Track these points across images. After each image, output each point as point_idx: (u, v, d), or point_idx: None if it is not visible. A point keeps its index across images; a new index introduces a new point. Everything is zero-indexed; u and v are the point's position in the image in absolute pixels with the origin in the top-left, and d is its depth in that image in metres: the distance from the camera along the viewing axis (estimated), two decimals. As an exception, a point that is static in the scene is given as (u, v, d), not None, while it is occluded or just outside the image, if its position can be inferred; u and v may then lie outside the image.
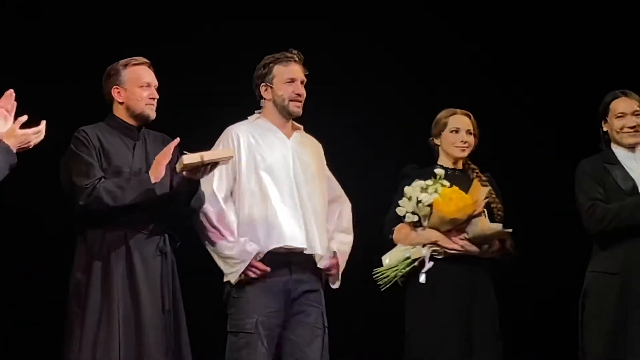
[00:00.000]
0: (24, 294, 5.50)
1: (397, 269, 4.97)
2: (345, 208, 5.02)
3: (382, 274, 4.99)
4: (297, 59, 4.88)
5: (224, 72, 5.83)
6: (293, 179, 4.79)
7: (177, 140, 4.54)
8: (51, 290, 4.97)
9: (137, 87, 4.64)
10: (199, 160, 4.38)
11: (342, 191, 5.05)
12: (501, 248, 5.08)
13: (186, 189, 4.52)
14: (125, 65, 4.67)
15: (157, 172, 4.50)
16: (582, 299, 4.97)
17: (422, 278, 4.96)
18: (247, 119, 4.94)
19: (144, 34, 5.76)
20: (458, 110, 5.25)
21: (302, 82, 4.88)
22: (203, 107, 5.82)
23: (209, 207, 4.71)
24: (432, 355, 4.88)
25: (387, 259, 5.03)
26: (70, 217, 4.59)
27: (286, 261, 4.72)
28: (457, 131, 5.19)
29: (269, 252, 4.69)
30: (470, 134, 5.21)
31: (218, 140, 4.86)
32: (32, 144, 4.08)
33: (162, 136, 4.77)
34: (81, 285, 4.49)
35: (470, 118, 5.24)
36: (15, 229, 5.51)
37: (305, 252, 4.73)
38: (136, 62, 4.68)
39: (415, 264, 4.98)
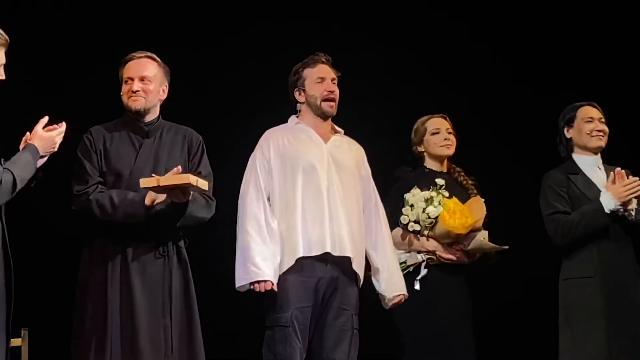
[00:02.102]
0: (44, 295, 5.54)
1: (393, 273, 5.10)
2: (376, 222, 4.99)
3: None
4: (324, 60, 4.97)
5: (265, 75, 5.96)
6: (326, 181, 4.82)
7: (179, 168, 4.47)
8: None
9: (123, 84, 4.71)
10: (155, 183, 4.38)
11: (378, 200, 5.03)
12: (484, 255, 5.28)
13: (170, 211, 4.53)
14: (120, 67, 4.75)
15: (155, 195, 4.48)
16: (562, 308, 5.11)
17: (417, 285, 5.12)
18: (287, 121, 5.00)
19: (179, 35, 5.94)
20: (434, 115, 5.43)
21: (332, 80, 4.95)
22: (246, 111, 5.96)
23: (247, 208, 4.76)
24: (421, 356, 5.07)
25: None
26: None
27: (323, 259, 4.76)
28: (438, 132, 5.38)
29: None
30: (450, 132, 5.39)
31: (258, 144, 4.91)
32: (57, 145, 4.20)
33: (186, 130, 4.79)
34: (83, 285, 4.56)
35: (446, 119, 5.42)
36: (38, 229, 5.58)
37: (334, 254, 4.75)
38: (125, 59, 4.75)
39: (410, 269, 5.14)
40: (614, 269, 5.05)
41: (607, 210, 5.04)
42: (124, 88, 4.70)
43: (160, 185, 4.39)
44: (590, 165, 5.26)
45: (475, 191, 5.37)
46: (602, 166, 5.27)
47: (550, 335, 5.30)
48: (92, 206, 4.52)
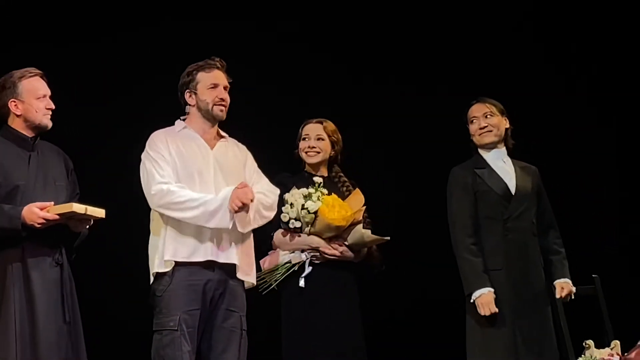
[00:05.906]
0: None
1: (278, 273, 5.19)
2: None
3: (262, 278, 5.17)
4: (219, 65, 4.97)
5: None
6: (213, 187, 4.82)
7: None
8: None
9: (35, 99, 4.73)
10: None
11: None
12: (369, 254, 5.36)
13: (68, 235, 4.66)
14: (21, 78, 4.74)
15: (33, 215, 4.51)
16: (469, 302, 5.11)
17: (302, 282, 5.17)
18: (173, 124, 4.99)
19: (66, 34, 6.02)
20: (312, 120, 5.51)
21: (225, 88, 4.97)
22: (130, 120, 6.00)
23: (164, 192, 4.75)
24: (308, 354, 5.14)
25: (266, 263, 5.26)
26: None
27: (209, 265, 4.76)
28: (306, 138, 5.46)
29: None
30: (321, 139, 5.46)
31: (146, 145, 4.88)
32: None
33: (58, 149, 4.86)
34: None
35: (321, 124, 5.47)
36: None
37: (219, 261, 4.77)
38: (31, 74, 4.76)
39: (295, 268, 5.20)
40: (520, 261, 5.11)
41: None
42: (39, 104, 4.72)
43: (53, 213, 4.49)
44: (495, 158, 5.27)
45: None
46: (507, 158, 5.31)
47: (450, 333, 5.42)
48: None
